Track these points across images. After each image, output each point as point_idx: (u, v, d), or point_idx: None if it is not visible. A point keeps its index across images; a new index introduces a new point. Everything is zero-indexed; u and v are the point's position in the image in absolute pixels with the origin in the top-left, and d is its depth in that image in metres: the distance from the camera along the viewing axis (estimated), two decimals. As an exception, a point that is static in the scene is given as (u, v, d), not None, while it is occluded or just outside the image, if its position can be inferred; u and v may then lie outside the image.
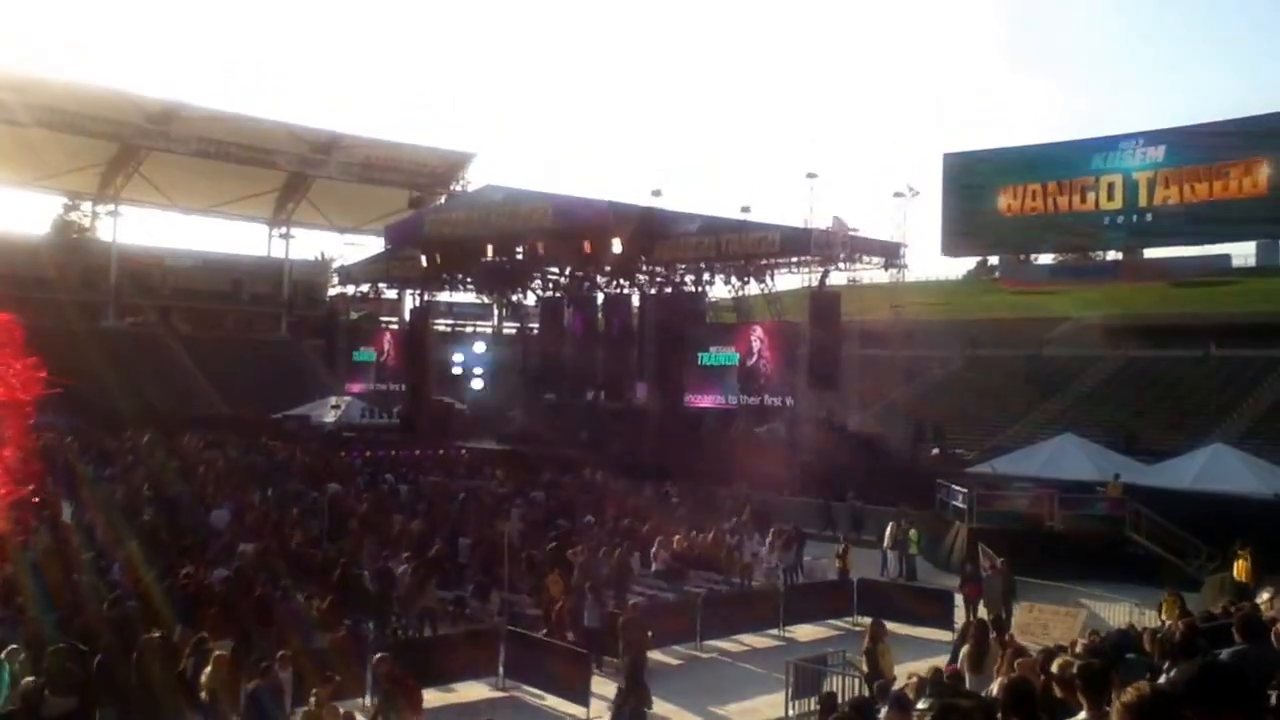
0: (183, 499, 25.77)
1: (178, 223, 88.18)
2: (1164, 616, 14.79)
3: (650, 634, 16.45)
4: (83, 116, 60.11)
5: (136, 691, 11.90)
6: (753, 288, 42.43)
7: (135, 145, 65.00)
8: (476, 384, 54.77)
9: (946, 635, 17.62)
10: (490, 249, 45.14)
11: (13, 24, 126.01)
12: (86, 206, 72.17)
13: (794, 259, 39.41)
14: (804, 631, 20.07)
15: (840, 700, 11.83)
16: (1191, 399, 42.07)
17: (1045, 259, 70.61)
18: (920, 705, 7.70)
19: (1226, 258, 60.34)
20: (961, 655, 11.46)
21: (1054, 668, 8.31)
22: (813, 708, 13.36)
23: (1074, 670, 9.26)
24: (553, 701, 15.38)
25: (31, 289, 57.70)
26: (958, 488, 27.98)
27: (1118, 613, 18.88)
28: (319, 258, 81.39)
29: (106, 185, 67.91)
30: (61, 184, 68.46)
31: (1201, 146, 57.39)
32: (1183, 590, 16.93)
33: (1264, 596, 10.81)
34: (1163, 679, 9.25)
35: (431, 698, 15.05)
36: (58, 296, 60.75)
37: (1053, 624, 18.18)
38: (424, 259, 47.82)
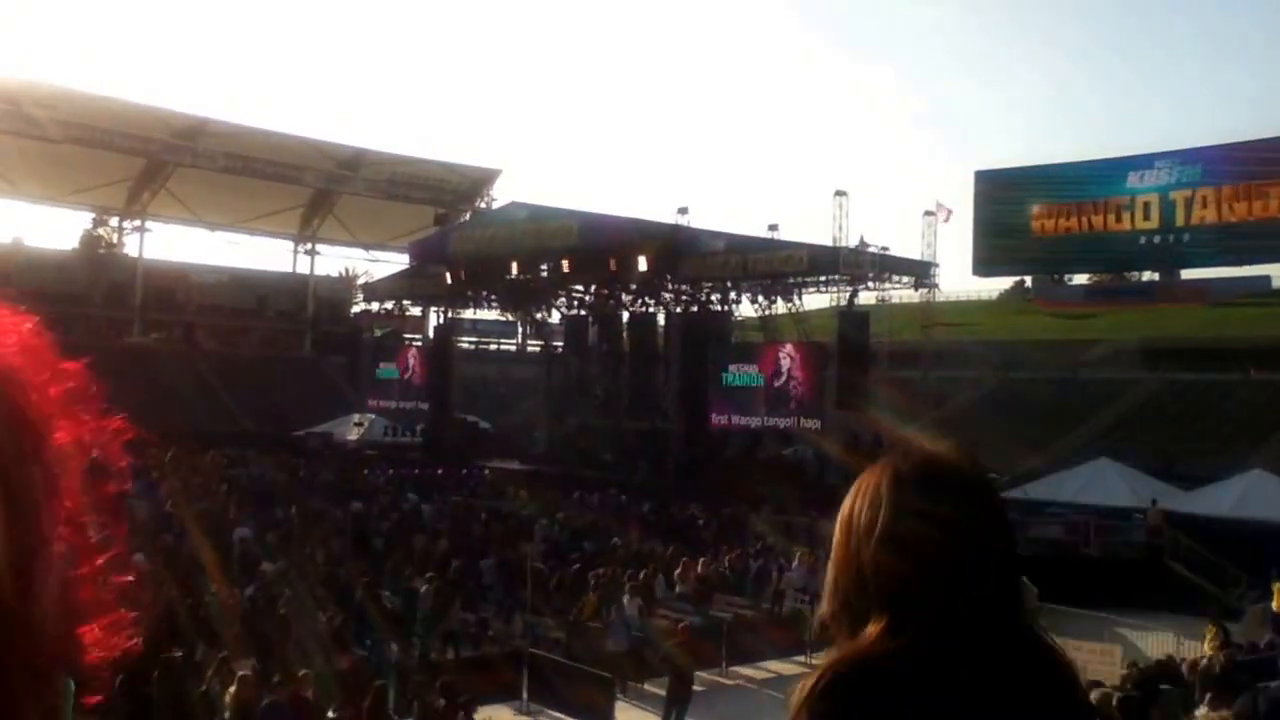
0: (206, 517, 25.58)
1: (204, 238, 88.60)
2: (1207, 647, 14.30)
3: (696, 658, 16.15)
4: (111, 132, 60.26)
5: (159, 711, 11.65)
6: (780, 307, 42.06)
7: (163, 160, 65.20)
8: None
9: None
10: (515, 266, 44.86)
11: (42, 40, 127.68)
12: (114, 222, 72.47)
13: (822, 278, 38.97)
14: (834, 659, 19.58)
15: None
16: (1230, 423, 41.18)
17: (1081, 279, 69.17)
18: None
19: (1266, 279, 59.15)
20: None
21: (1093, 698, 7.95)
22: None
23: (1113, 702, 8.81)
24: (577, 727, 15.04)
25: (59, 304, 57.91)
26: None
27: (1157, 643, 18.36)
28: (344, 274, 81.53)
29: (134, 201, 68.15)
30: (89, 199, 68.72)
31: (1240, 165, 56.45)
32: (1223, 620, 16.42)
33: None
34: (1201, 711, 8.80)
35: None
36: (84, 311, 60.98)
37: (1091, 664, 17.80)
38: (448, 276, 47.65)
